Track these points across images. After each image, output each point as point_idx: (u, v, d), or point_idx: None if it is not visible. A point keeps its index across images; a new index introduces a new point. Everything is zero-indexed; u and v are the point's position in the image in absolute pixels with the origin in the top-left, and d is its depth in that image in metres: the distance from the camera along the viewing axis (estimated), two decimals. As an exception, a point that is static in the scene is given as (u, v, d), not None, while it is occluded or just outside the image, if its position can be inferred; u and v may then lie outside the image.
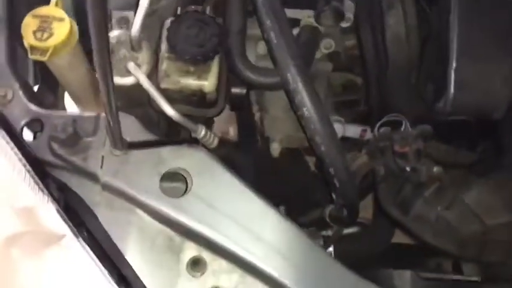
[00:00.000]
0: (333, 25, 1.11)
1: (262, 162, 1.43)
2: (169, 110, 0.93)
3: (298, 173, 1.50)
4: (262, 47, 1.18)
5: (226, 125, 1.55)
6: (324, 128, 0.90)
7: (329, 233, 1.59)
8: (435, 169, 1.00)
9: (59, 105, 1.26)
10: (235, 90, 1.20)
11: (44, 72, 1.17)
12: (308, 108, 0.89)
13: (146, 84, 0.94)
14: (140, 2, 0.94)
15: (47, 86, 1.21)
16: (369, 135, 1.15)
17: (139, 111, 1.20)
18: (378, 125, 1.05)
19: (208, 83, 0.96)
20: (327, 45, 1.21)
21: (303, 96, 0.89)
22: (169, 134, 1.26)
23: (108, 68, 0.62)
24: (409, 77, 1.15)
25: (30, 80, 1.17)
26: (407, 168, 1.01)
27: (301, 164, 1.49)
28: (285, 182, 1.51)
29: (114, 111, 0.71)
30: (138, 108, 1.19)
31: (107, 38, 0.60)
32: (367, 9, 1.14)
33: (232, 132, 1.58)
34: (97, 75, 0.64)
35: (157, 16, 1.07)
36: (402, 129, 1.01)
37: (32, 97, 1.02)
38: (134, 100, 1.13)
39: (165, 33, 0.95)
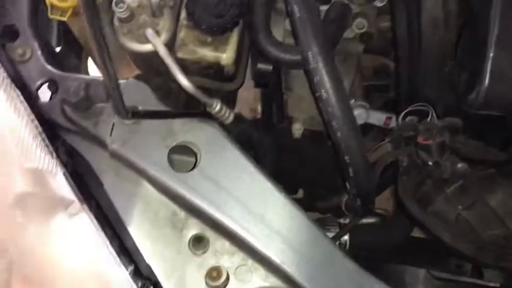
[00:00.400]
0: (365, 3, 1.04)
1: (283, 142, 1.39)
2: (183, 81, 0.90)
3: (320, 156, 1.45)
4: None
5: (255, 102, 1.51)
6: (341, 113, 0.84)
7: (346, 221, 1.55)
8: (459, 165, 0.94)
9: (81, 68, 1.25)
10: (260, 66, 1.15)
11: (68, 34, 1.16)
12: (326, 90, 0.84)
13: (163, 52, 0.91)
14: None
15: (70, 48, 1.20)
16: (394, 123, 1.09)
17: (159, 80, 1.17)
18: (403, 113, 0.99)
19: (225, 56, 0.92)
20: (359, 25, 1.14)
21: (322, 76, 0.84)
22: (189, 107, 1.24)
23: (97, 26, 0.58)
24: (443, 66, 1.08)
25: (53, 41, 1.16)
26: (430, 162, 0.95)
27: (323, 148, 1.44)
28: (305, 165, 1.47)
29: (112, 75, 0.68)
30: (157, 78, 1.16)
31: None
32: (403, -12, 1.07)
33: (261, 109, 1.54)
34: (88, 35, 0.61)
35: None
36: (428, 120, 0.95)
37: (51, 58, 1.01)
38: (153, 69, 1.10)
39: (185, -1, 0.91)
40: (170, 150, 0.88)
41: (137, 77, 1.21)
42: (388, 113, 1.10)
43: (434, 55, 1.05)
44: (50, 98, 0.98)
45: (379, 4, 1.06)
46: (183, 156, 0.90)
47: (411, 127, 0.97)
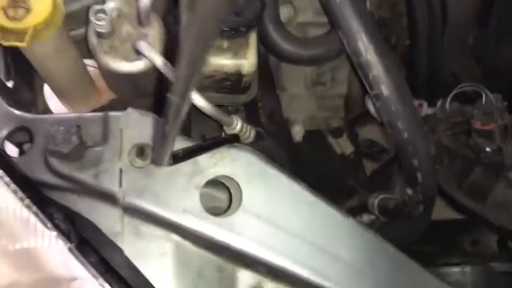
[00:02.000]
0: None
1: (284, 148, 1.24)
2: (200, 102, 0.71)
3: (323, 158, 1.31)
4: (285, 12, 0.96)
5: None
6: (407, 111, 0.70)
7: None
8: (521, 146, 0.83)
9: (38, 103, 1.01)
10: None
11: (16, 60, 0.91)
12: (387, 86, 0.69)
13: (166, 68, 0.72)
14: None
15: (21, 79, 0.95)
16: (425, 110, 0.97)
17: (142, 102, 0.97)
18: (450, 96, 0.86)
19: (248, 62, 0.73)
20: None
21: (379, 70, 0.68)
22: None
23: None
24: (467, 37, 0.97)
25: (2, 75, 0.90)
26: (488, 149, 0.83)
27: (325, 148, 1.31)
28: (308, 169, 1.32)
29: (181, 115, 0.48)
30: (140, 100, 0.97)
31: None
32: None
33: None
34: (179, 63, 0.41)
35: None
36: (483, 101, 0.83)
37: (12, 99, 0.78)
38: (138, 90, 0.90)
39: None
40: (202, 190, 0.69)
41: (114, 102, 1.01)
42: (418, 99, 0.97)
43: (459, 26, 0.94)
44: (21, 152, 0.76)
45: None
46: (218, 195, 0.72)
47: (460, 112, 0.85)
